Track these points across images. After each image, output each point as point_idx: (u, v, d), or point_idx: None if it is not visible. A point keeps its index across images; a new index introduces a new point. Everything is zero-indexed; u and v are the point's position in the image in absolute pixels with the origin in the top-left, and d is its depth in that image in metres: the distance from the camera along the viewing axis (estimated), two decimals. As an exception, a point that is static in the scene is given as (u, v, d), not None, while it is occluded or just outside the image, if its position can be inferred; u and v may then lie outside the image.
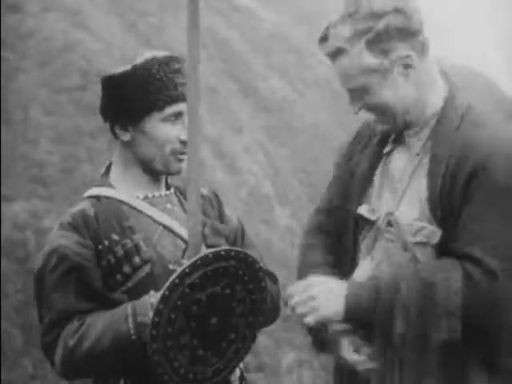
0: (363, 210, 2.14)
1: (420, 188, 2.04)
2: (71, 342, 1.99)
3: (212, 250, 1.91)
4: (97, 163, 8.65)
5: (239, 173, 11.07)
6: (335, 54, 1.97)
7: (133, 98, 2.10)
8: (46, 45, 10.38)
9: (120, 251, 2.08)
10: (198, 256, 1.88)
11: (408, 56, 1.96)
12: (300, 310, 1.94)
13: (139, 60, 2.13)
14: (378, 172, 2.15)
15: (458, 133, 1.98)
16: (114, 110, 2.14)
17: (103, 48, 11.10)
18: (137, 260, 2.08)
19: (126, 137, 2.15)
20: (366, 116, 2.11)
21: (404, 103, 2.00)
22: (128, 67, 2.13)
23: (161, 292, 1.86)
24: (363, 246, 2.14)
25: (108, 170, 2.26)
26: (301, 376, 8.35)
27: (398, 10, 1.93)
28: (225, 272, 1.92)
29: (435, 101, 2.05)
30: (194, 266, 1.87)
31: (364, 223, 2.14)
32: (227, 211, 2.33)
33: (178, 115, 2.14)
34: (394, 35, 1.93)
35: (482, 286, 1.88)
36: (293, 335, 8.53)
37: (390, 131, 2.10)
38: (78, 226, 2.09)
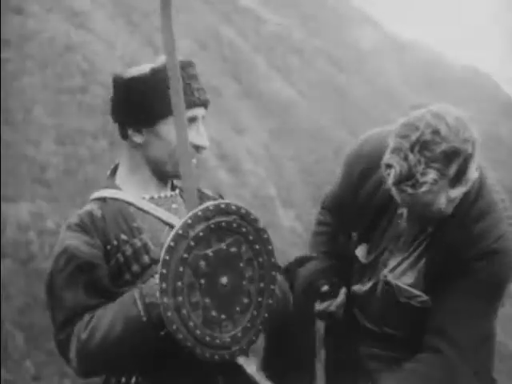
0: (360, 251, 2.28)
1: (419, 259, 2.19)
2: (83, 336, 2.00)
3: (212, 202, 1.95)
4: (99, 164, 8.65)
5: (242, 174, 11.06)
6: (420, 195, 2.04)
7: (150, 101, 2.11)
8: (49, 46, 10.38)
9: (129, 250, 2.10)
10: (199, 208, 1.92)
11: (474, 177, 2.06)
12: None
13: (157, 64, 2.14)
14: (386, 220, 2.27)
15: (464, 221, 2.12)
16: (129, 112, 2.14)
17: (106, 49, 11.10)
18: (146, 259, 2.11)
19: (139, 139, 2.16)
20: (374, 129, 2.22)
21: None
22: (146, 70, 2.13)
23: (165, 243, 1.89)
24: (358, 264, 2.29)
25: (114, 171, 2.26)
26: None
27: (466, 140, 2.00)
28: (228, 227, 1.96)
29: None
30: (195, 217, 1.91)
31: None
32: None
33: (192, 120, 2.15)
34: (468, 161, 2.01)
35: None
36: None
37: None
38: (86, 226, 2.11)
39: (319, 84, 15.91)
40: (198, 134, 2.13)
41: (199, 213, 1.90)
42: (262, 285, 2.01)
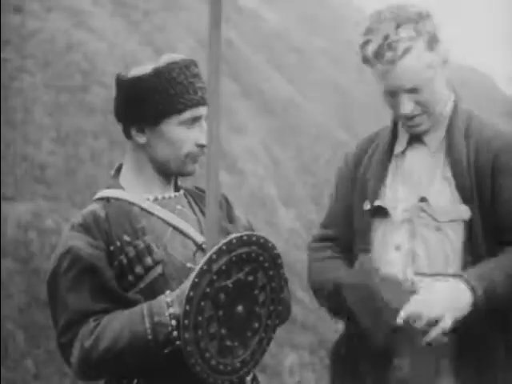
0: (380, 203, 2.33)
1: (444, 178, 2.24)
2: (87, 343, 2.00)
3: (235, 235, 1.95)
4: (99, 163, 8.65)
5: (242, 174, 11.06)
6: (401, 57, 2.14)
7: (153, 100, 2.12)
8: (49, 45, 10.38)
9: (132, 252, 2.10)
10: (222, 242, 1.92)
11: (447, 51, 2.18)
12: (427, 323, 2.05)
13: (160, 63, 2.14)
14: (389, 172, 2.34)
15: (469, 131, 2.22)
16: (132, 112, 2.15)
17: (106, 48, 11.10)
18: (148, 261, 2.10)
19: (142, 139, 2.16)
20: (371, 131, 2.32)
21: (439, 101, 2.24)
22: (148, 70, 2.13)
23: (190, 279, 1.89)
24: (377, 239, 2.29)
25: (118, 171, 2.26)
26: (303, 377, 8.34)
27: (429, 16, 2.17)
28: (247, 258, 1.97)
29: (448, 104, 2.28)
30: (220, 252, 1.91)
31: (376, 217, 2.31)
32: (237, 212, 2.35)
33: (195, 119, 2.16)
34: (437, 35, 2.20)
35: None
36: (295, 336, 8.52)
37: (422, 132, 2.29)
38: (89, 227, 2.10)
39: (319, 83, 15.91)
40: (202, 133, 2.13)
41: (223, 247, 1.90)
42: (271, 308, 2.03)
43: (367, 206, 2.32)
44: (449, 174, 2.23)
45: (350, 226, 2.37)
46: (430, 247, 2.22)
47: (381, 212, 2.30)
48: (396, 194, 2.29)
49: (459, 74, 22.25)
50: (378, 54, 2.15)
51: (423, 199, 2.25)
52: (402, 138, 2.33)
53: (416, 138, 2.30)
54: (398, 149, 2.32)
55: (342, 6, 22.51)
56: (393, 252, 2.27)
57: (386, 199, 2.29)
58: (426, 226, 2.24)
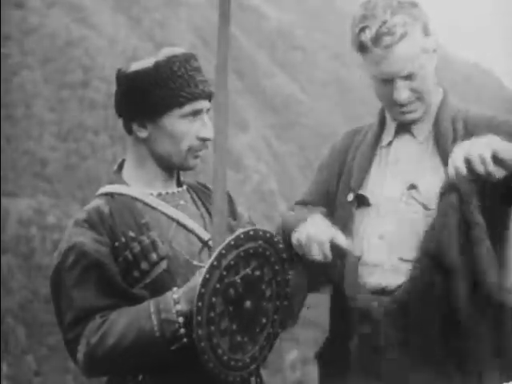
0: (363, 192, 2.33)
1: (433, 167, 2.25)
2: (94, 339, 1.97)
3: (242, 230, 1.94)
4: (100, 159, 8.65)
5: (244, 170, 11.06)
6: (398, 41, 2.17)
7: (154, 94, 2.09)
8: (50, 41, 10.38)
9: (137, 248, 2.07)
10: (231, 237, 1.91)
11: (437, 42, 2.22)
12: None
13: (160, 57, 2.12)
14: (375, 163, 2.35)
15: (457, 117, 2.27)
16: (133, 107, 2.12)
17: (106, 44, 11.10)
18: (154, 256, 2.08)
19: (143, 133, 2.13)
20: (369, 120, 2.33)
21: (430, 89, 2.25)
22: (149, 64, 2.11)
23: (201, 276, 1.88)
24: (358, 229, 2.29)
25: (120, 167, 2.24)
26: (304, 373, 8.34)
27: (419, 4, 2.23)
28: (255, 253, 1.96)
29: (437, 96, 2.29)
30: (228, 247, 1.90)
31: (359, 208, 2.32)
32: (239, 209, 2.34)
33: (196, 112, 2.13)
34: (428, 23, 2.22)
35: None
36: (297, 332, 8.52)
37: (414, 119, 2.31)
38: (94, 222, 2.07)
39: (322, 80, 15.90)
40: (203, 126, 2.11)
41: (232, 242, 1.88)
42: (277, 303, 2.02)
43: (350, 198, 2.31)
44: (438, 162, 2.24)
45: (329, 212, 2.38)
46: (417, 235, 2.22)
47: (364, 202, 2.30)
48: (381, 184, 2.29)
49: (463, 71, 22.25)
50: (376, 40, 2.16)
51: (412, 186, 2.24)
52: (390, 129, 2.33)
53: (404, 129, 2.30)
54: (385, 140, 2.32)
55: (345, 1, 22.50)
56: (376, 240, 2.27)
57: (370, 189, 2.29)
58: (416, 214, 2.23)
